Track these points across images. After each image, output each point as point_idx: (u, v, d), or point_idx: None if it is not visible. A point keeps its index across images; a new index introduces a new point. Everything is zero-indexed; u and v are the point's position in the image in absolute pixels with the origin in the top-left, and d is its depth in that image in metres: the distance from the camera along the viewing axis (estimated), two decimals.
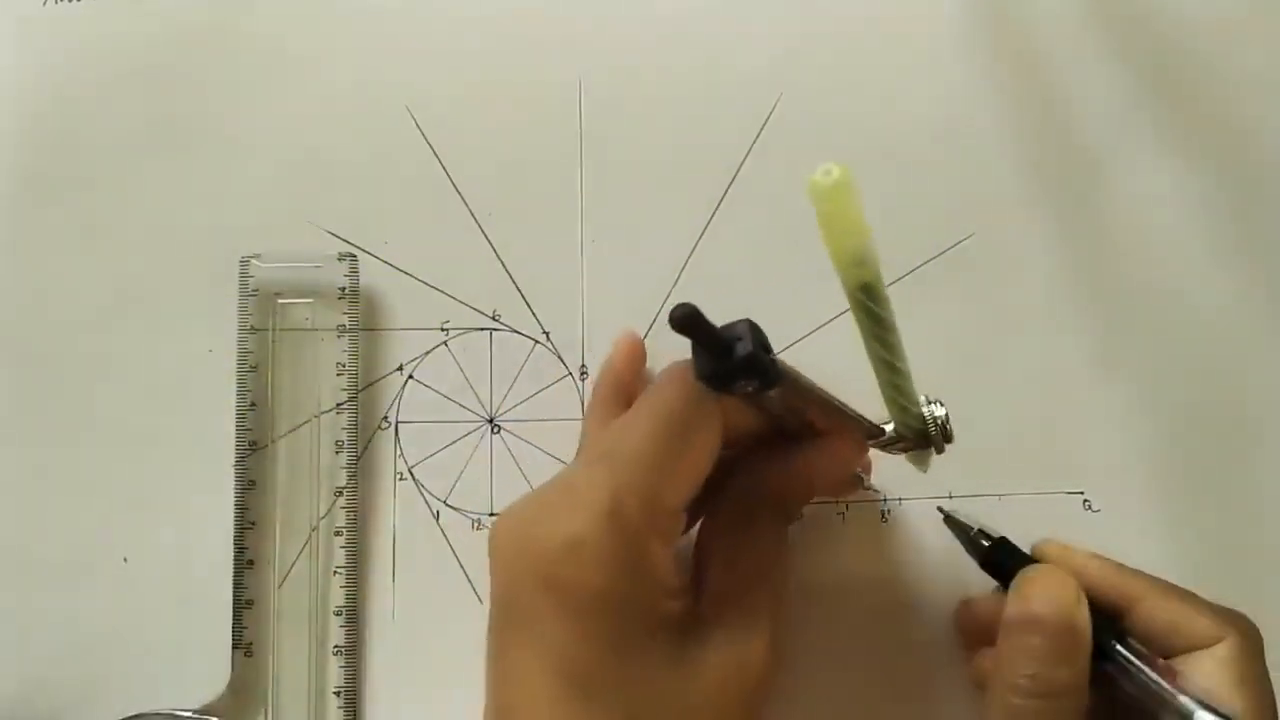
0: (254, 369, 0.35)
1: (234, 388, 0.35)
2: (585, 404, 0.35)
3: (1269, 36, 0.38)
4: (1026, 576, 0.29)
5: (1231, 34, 0.38)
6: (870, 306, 0.23)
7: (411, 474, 0.35)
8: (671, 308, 0.23)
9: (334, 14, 0.38)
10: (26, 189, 0.37)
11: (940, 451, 0.30)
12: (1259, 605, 0.30)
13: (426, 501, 0.35)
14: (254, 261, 0.35)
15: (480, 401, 0.36)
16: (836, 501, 0.35)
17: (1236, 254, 0.37)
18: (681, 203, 0.37)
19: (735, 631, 0.27)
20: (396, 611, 0.35)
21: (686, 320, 0.22)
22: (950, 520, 0.33)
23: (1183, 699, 0.27)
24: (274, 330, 0.35)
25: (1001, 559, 0.31)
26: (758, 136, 0.37)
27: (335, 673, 0.34)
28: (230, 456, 0.35)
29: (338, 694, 0.34)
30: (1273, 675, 0.28)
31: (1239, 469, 0.35)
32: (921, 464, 0.31)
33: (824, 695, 0.34)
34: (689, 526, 0.29)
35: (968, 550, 0.32)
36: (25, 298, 0.36)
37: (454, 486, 0.35)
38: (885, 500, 0.35)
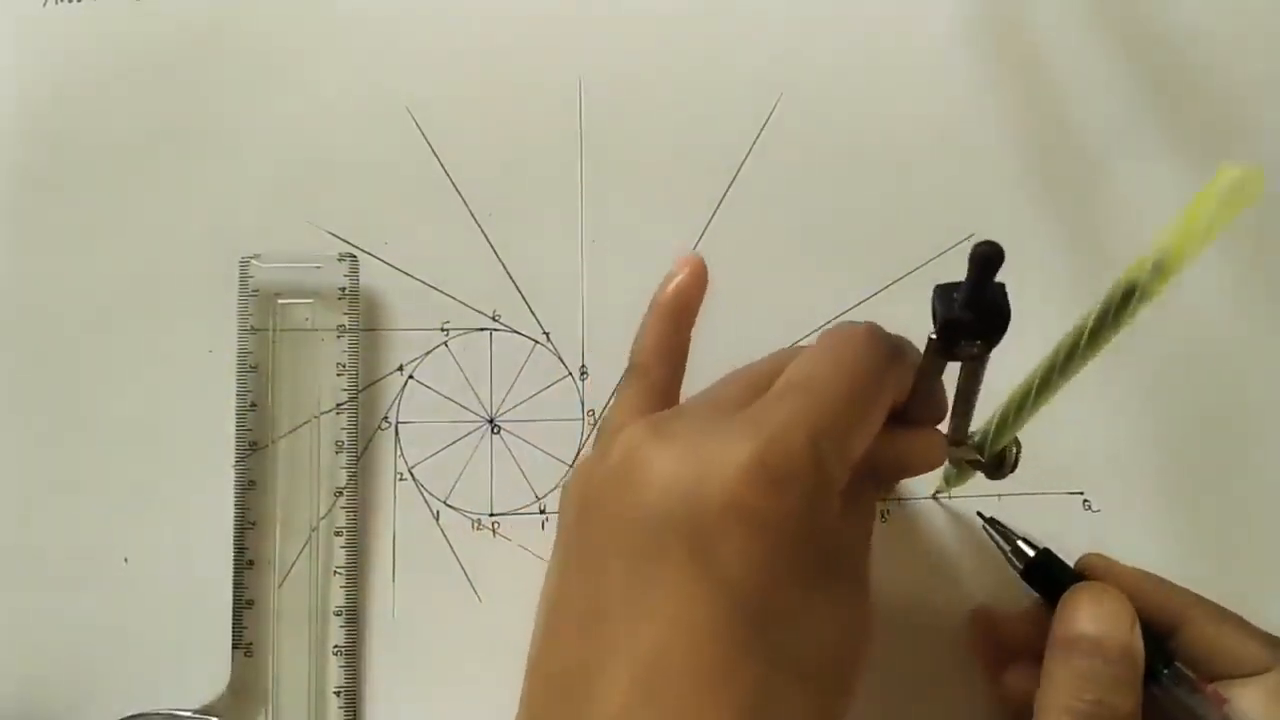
0: (254, 369, 0.35)
1: (234, 388, 0.35)
2: (635, 331, 0.31)
3: (1269, 38, 0.38)
4: (1079, 595, 0.29)
5: (1232, 35, 0.38)
6: (1119, 311, 0.23)
7: (411, 474, 0.35)
8: (979, 242, 0.22)
9: (334, 15, 0.38)
10: (26, 189, 0.37)
11: (999, 478, 0.30)
12: (1259, 605, 0.30)
13: (426, 501, 0.35)
14: (254, 261, 0.35)
15: (480, 402, 0.36)
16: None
17: (1236, 254, 0.37)
18: (681, 203, 0.37)
19: (848, 588, 0.26)
20: (396, 611, 0.35)
21: (989, 260, 0.22)
22: (992, 528, 0.32)
23: None
24: (274, 330, 0.35)
25: (1045, 572, 0.30)
26: (758, 136, 0.37)
27: (335, 673, 0.34)
28: (230, 456, 0.35)
29: (338, 694, 0.34)
30: None
31: (1239, 469, 0.35)
32: (961, 479, 0.31)
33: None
34: None
35: (1009, 560, 0.31)
36: (25, 298, 0.36)
37: (454, 486, 0.35)
38: (885, 500, 0.35)
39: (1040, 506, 0.35)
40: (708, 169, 0.37)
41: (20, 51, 0.38)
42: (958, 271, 0.36)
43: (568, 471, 0.36)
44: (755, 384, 0.27)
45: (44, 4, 0.38)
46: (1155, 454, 0.35)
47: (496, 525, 0.35)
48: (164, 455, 0.35)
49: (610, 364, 0.36)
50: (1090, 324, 0.24)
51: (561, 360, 0.36)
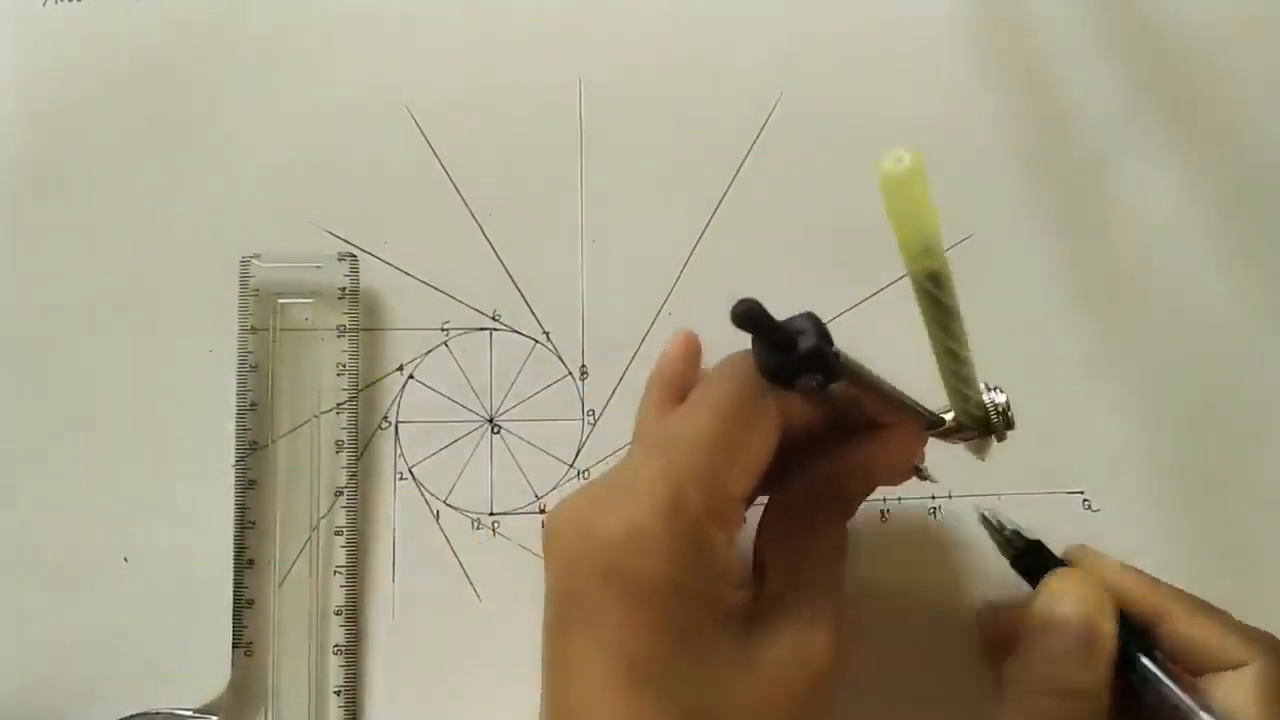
0: (254, 369, 0.35)
1: (234, 388, 0.35)
2: (638, 402, 0.33)
3: (1269, 37, 0.38)
4: (1052, 577, 0.30)
5: (1231, 34, 0.38)
6: (937, 295, 0.23)
7: (411, 474, 0.35)
8: (735, 303, 0.22)
9: (334, 14, 0.38)
10: (26, 189, 0.37)
11: (1001, 439, 0.29)
12: (1259, 605, 0.30)
13: (426, 501, 0.35)
14: (254, 261, 0.35)
15: (480, 401, 0.36)
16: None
17: (1236, 254, 0.37)
18: (681, 202, 0.37)
19: (797, 625, 0.27)
20: (396, 611, 0.35)
21: (749, 316, 0.22)
22: (986, 520, 0.33)
23: (1204, 715, 0.27)
24: (274, 330, 0.35)
25: (1033, 561, 0.31)
26: (758, 136, 0.37)
27: (335, 673, 0.34)
28: (230, 456, 0.35)
29: (338, 694, 0.34)
30: None
31: (1239, 469, 0.35)
32: (981, 452, 0.31)
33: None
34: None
35: (1001, 550, 0.32)
36: (25, 298, 0.36)
37: (454, 486, 0.35)
38: (885, 500, 0.35)
39: (1040, 506, 0.35)
40: (708, 169, 0.37)
41: (20, 51, 0.38)
42: (957, 271, 0.36)
43: (567, 471, 0.36)
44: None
45: (44, 4, 0.38)
46: (1155, 454, 0.35)
47: (496, 525, 0.35)
48: (164, 455, 0.35)
49: (610, 364, 0.36)
50: (933, 328, 0.24)
51: (561, 360, 0.36)
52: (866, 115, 0.37)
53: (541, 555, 0.34)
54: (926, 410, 0.28)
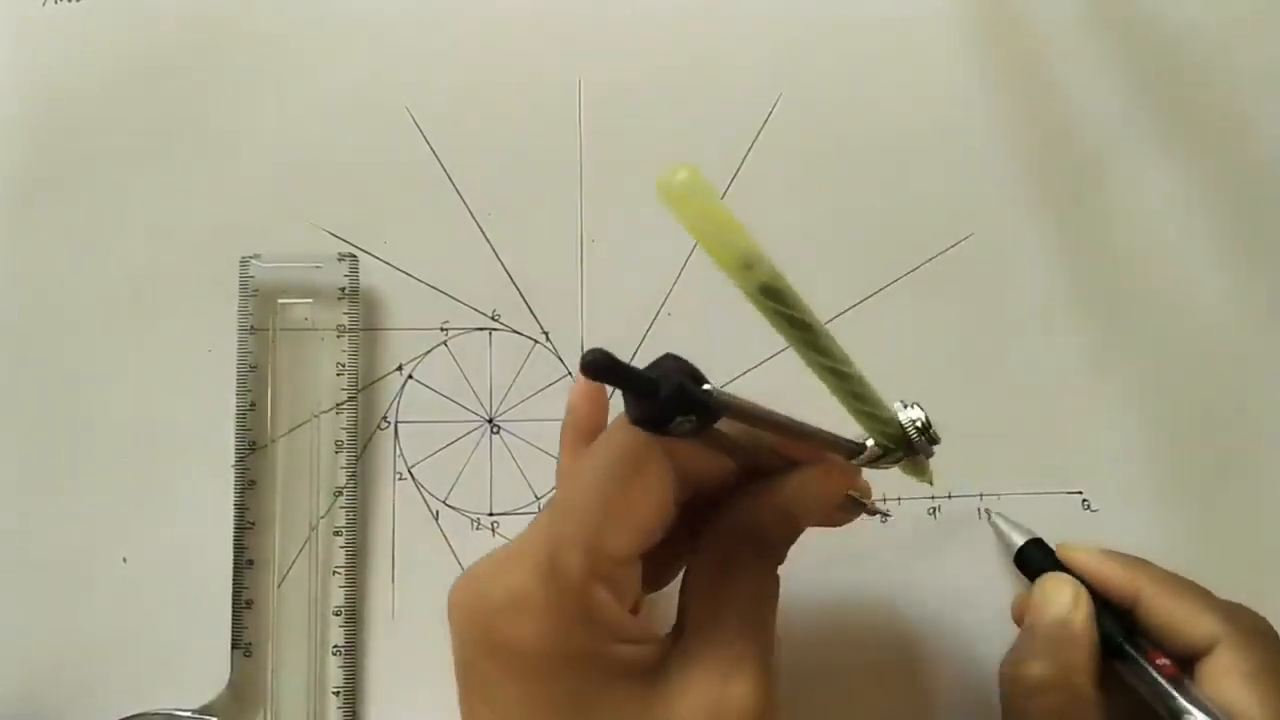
0: (254, 369, 0.35)
1: (234, 388, 0.35)
2: None
3: (1269, 36, 0.38)
4: (1038, 583, 0.32)
5: (1231, 34, 0.38)
6: (778, 309, 0.21)
7: (411, 474, 0.35)
8: (583, 354, 0.21)
9: (334, 14, 0.38)
10: (27, 189, 0.37)
11: (929, 455, 0.27)
12: (1259, 605, 0.30)
13: (426, 501, 0.35)
14: (254, 261, 0.35)
15: (480, 401, 0.36)
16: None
17: (1236, 254, 0.37)
18: None
19: (713, 675, 0.25)
20: (396, 611, 0.35)
21: (597, 366, 0.21)
22: (991, 519, 0.34)
23: (1180, 700, 0.27)
24: (274, 330, 0.35)
25: (1031, 560, 0.33)
26: (757, 136, 0.37)
27: (335, 673, 0.34)
28: (230, 456, 0.35)
29: (337, 694, 0.34)
30: None
31: (1238, 468, 0.35)
32: (920, 474, 0.29)
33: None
34: (677, 571, 0.28)
35: (1004, 549, 0.34)
36: (25, 298, 0.36)
37: (454, 486, 0.35)
38: (885, 501, 0.35)
39: (1040, 506, 0.35)
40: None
41: (20, 51, 0.38)
42: (958, 271, 0.36)
43: None
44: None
45: (44, 4, 0.38)
46: (1154, 454, 0.35)
47: (496, 525, 0.35)
48: (164, 455, 0.35)
49: None
50: (798, 348, 0.23)
51: (561, 360, 0.36)
52: (866, 115, 0.37)
53: None
54: (841, 439, 0.26)
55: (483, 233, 0.37)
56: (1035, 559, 0.33)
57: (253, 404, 0.35)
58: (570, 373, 0.36)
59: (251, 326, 0.35)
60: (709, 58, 0.38)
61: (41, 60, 0.38)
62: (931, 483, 0.30)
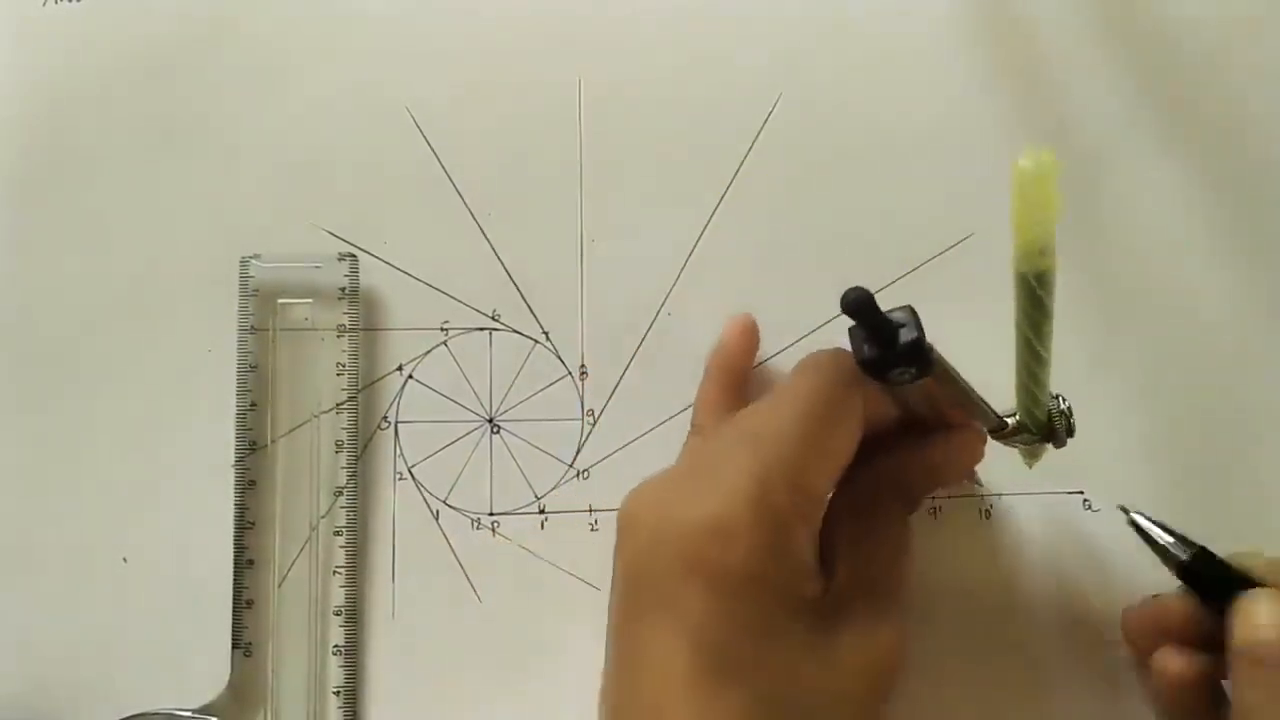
0: (254, 369, 0.35)
1: (234, 388, 0.35)
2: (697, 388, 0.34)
3: (1269, 36, 0.38)
4: (1258, 605, 0.27)
5: (1232, 33, 0.38)
6: (1040, 296, 0.24)
7: (411, 474, 0.35)
8: (844, 290, 0.23)
9: (334, 14, 0.38)
10: (27, 189, 0.37)
11: (1060, 445, 0.30)
12: None
13: (426, 501, 0.35)
14: (254, 261, 0.35)
15: (480, 401, 0.36)
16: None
17: (1236, 254, 0.37)
18: (681, 203, 0.37)
19: (866, 619, 0.27)
20: (396, 611, 0.35)
21: (860, 305, 0.23)
22: (1138, 526, 0.31)
23: None
24: (274, 330, 0.35)
25: (1204, 573, 0.29)
26: (757, 136, 0.37)
27: (335, 673, 0.34)
28: (230, 456, 0.35)
29: (337, 694, 0.34)
30: None
31: (1239, 469, 0.35)
32: (1033, 458, 0.31)
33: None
34: None
35: (1160, 558, 0.30)
36: (25, 298, 0.36)
37: (454, 486, 0.35)
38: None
39: (1040, 506, 0.35)
40: (707, 169, 0.37)
41: (20, 51, 0.38)
42: (958, 271, 0.36)
43: (566, 471, 0.36)
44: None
45: (44, 4, 0.38)
46: (1155, 454, 0.35)
47: (496, 525, 0.35)
48: (164, 455, 0.35)
49: (610, 364, 0.36)
50: (1024, 326, 0.25)
51: (561, 360, 0.36)
52: (866, 115, 0.37)
53: (541, 556, 0.35)
54: (992, 411, 0.29)
55: (483, 233, 0.37)
56: (1211, 570, 0.29)
57: (253, 404, 0.35)
58: (570, 373, 0.36)
59: (251, 326, 0.35)
60: (709, 58, 0.38)
61: (41, 60, 0.38)
62: (1031, 467, 0.32)
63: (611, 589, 0.28)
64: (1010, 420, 0.29)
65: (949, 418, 0.29)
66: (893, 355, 0.24)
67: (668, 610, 0.25)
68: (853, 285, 0.23)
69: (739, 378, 0.32)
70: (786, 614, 0.26)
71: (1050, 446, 0.30)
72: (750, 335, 0.33)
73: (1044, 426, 0.29)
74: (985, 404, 0.28)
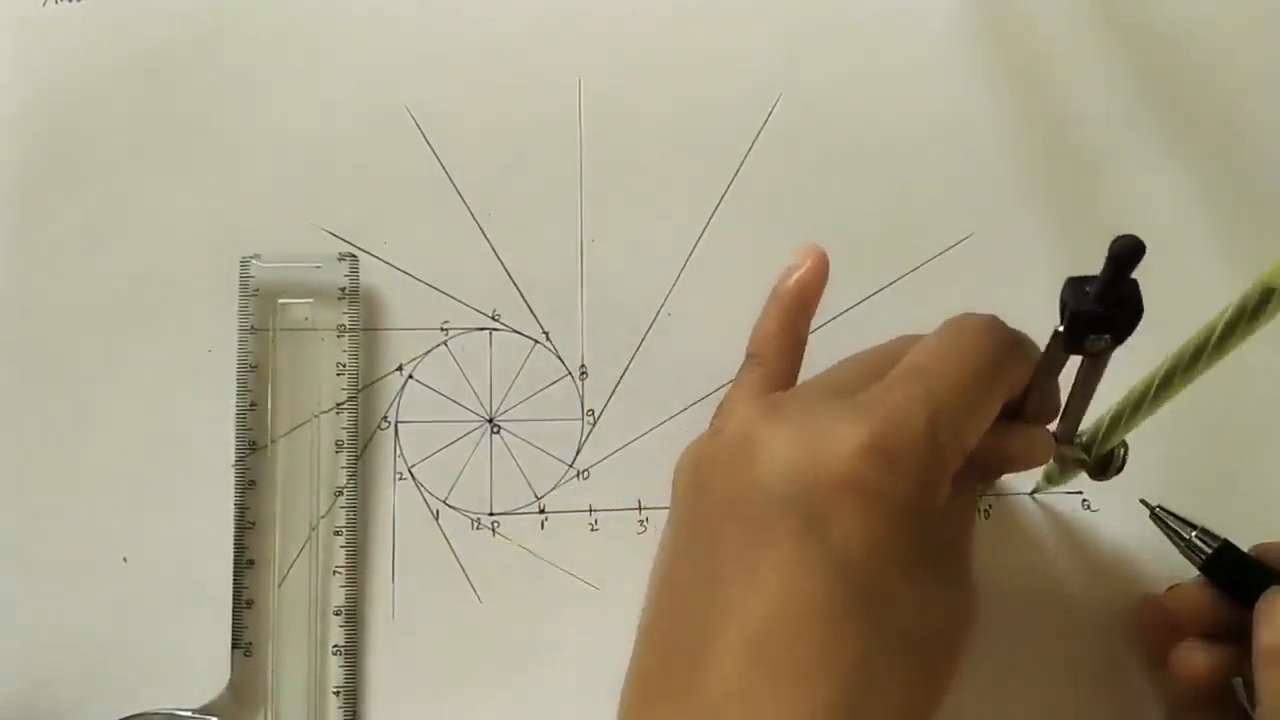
0: (254, 369, 0.35)
1: (234, 388, 0.35)
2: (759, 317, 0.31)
3: (1269, 36, 0.38)
4: (1274, 600, 0.28)
5: (1232, 34, 0.38)
6: (1258, 315, 0.24)
7: (411, 474, 0.35)
8: (1118, 236, 0.23)
9: (334, 14, 0.38)
10: (26, 189, 0.37)
11: (1100, 479, 0.30)
12: None
13: (426, 501, 0.35)
14: (254, 261, 0.35)
15: (480, 401, 0.36)
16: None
17: (1236, 254, 0.37)
18: (681, 202, 0.37)
19: (958, 573, 0.27)
20: (396, 611, 0.35)
21: (1131, 249, 0.23)
22: (1160, 520, 0.31)
23: None
24: (274, 330, 0.35)
25: (1227, 565, 0.30)
26: (757, 136, 0.37)
27: (335, 673, 0.34)
28: (230, 456, 0.35)
29: (337, 694, 0.34)
30: None
31: (1239, 469, 0.35)
32: (1059, 480, 0.31)
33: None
34: None
35: (1182, 552, 0.30)
36: (25, 298, 0.36)
37: (454, 486, 0.35)
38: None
39: (1040, 506, 0.35)
40: (708, 169, 0.37)
41: (20, 51, 0.38)
42: (958, 271, 0.36)
43: (566, 471, 0.36)
44: (873, 368, 0.28)
45: (44, 4, 0.38)
46: (1155, 453, 0.35)
47: (496, 525, 0.35)
48: (164, 455, 0.35)
49: (610, 363, 0.36)
50: (1221, 326, 0.24)
51: (561, 360, 0.36)
52: (866, 115, 0.37)
53: (541, 556, 0.35)
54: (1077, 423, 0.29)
55: (483, 233, 0.37)
56: (1235, 565, 0.30)
57: (253, 404, 0.35)
58: (570, 372, 0.36)
59: (252, 326, 0.35)
60: (709, 58, 0.38)
61: (41, 60, 0.38)
62: (1051, 488, 0.33)
63: (693, 504, 0.27)
64: (1080, 438, 0.29)
65: (1039, 412, 0.29)
66: (1118, 316, 0.24)
67: (810, 530, 0.24)
68: (1125, 233, 0.23)
69: (808, 311, 0.30)
70: (929, 551, 0.25)
71: (1084, 474, 0.30)
72: (823, 269, 0.30)
73: (1102, 457, 0.29)
74: (1083, 410, 0.28)
